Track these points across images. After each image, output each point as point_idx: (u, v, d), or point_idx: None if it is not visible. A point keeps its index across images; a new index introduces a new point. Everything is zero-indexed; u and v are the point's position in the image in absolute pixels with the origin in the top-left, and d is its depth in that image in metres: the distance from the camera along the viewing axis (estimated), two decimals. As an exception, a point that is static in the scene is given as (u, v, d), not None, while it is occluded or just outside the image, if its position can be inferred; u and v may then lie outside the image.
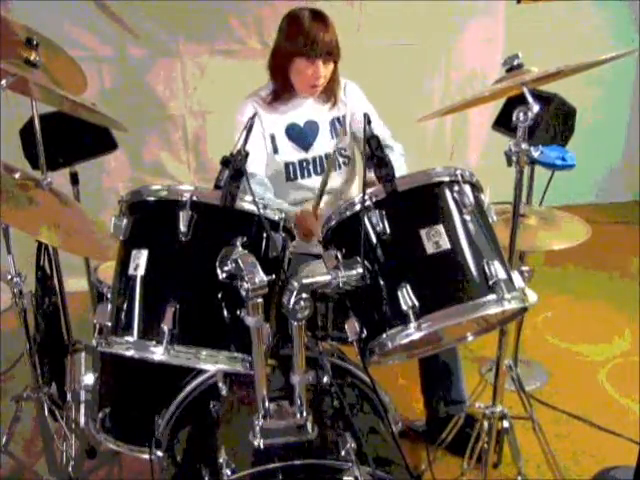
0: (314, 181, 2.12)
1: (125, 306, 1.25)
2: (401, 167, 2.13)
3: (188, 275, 1.25)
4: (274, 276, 1.26)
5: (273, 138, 2.08)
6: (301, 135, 2.12)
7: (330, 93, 2.14)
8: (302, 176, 2.13)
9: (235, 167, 1.23)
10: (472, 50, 3.87)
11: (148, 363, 1.20)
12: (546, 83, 1.65)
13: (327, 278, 1.21)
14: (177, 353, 1.19)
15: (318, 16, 2.00)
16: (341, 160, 2.18)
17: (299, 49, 1.96)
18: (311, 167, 2.12)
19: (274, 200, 2.02)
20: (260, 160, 2.06)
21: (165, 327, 1.18)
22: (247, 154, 1.25)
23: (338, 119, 2.18)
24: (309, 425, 1.26)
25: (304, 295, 1.15)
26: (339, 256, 1.27)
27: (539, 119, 2.10)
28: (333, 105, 2.17)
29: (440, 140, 4.01)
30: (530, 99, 1.51)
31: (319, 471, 1.20)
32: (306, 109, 2.14)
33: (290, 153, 2.11)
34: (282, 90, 2.09)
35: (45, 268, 2.24)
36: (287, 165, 2.10)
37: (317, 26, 1.96)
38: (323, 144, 2.14)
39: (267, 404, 1.25)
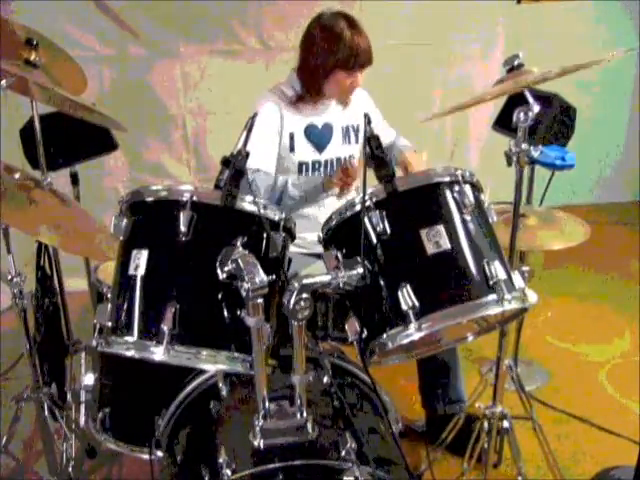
0: None
1: (125, 306, 1.25)
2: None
3: (188, 275, 1.25)
4: (274, 276, 1.26)
5: (292, 137, 2.09)
6: (318, 137, 2.14)
7: None
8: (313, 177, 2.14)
9: (235, 167, 1.23)
10: (472, 50, 3.86)
11: (148, 363, 1.20)
12: (544, 82, 1.65)
13: (327, 278, 1.21)
14: (177, 353, 1.19)
15: (354, 25, 2.00)
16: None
17: (342, 64, 1.97)
18: (322, 169, 2.13)
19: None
20: (270, 157, 2.07)
21: (165, 327, 1.18)
22: (247, 154, 1.25)
23: (352, 127, 2.20)
24: (309, 425, 1.26)
25: (304, 295, 1.15)
26: (339, 256, 1.27)
27: (539, 119, 2.10)
28: (346, 106, 2.19)
29: (440, 140, 4.01)
30: (530, 99, 1.52)
31: (319, 471, 1.20)
32: (325, 111, 2.16)
33: (305, 153, 2.11)
34: (311, 97, 2.09)
35: (45, 268, 2.24)
36: (300, 164, 2.11)
37: (357, 36, 1.97)
38: (336, 148, 2.16)
39: (267, 404, 1.25)
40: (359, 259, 1.23)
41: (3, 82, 1.62)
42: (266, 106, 2.07)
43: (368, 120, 1.26)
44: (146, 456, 1.55)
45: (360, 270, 1.22)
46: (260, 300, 1.13)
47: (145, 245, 1.25)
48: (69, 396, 2.17)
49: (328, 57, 1.99)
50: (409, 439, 2.18)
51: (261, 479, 1.21)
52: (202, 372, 1.53)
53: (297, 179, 2.05)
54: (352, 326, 1.26)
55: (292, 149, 2.09)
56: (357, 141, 2.21)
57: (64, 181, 2.44)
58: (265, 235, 1.29)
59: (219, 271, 1.21)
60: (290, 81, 2.13)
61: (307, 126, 2.11)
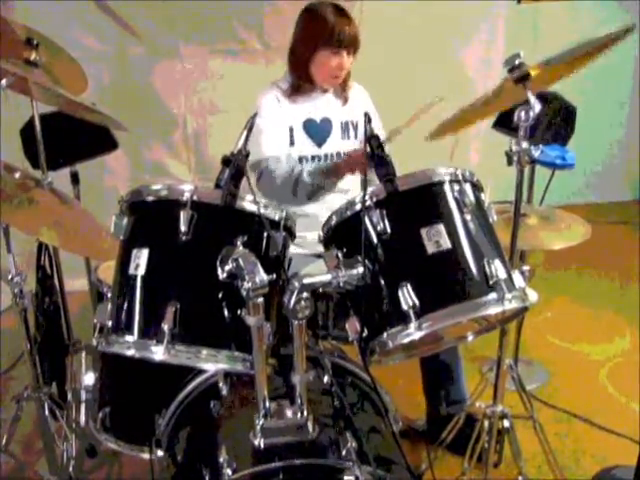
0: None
1: (125, 305, 1.25)
2: None
3: (189, 274, 1.25)
4: (274, 275, 1.26)
5: (291, 131, 2.10)
6: (317, 131, 2.14)
7: (344, 85, 2.18)
8: None
9: (236, 166, 1.23)
10: (472, 50, 3.87)
11: (148, 363, 1.20)
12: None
13: (328, 277, 1.21)
14: (177, 352, 1.19)
15: (340, 10, 2.04)
16: None
17: (325, 41, 2.00)
18: (322, 164, 2.13)
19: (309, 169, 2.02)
20: (283, 141, 2.08)
21: (165, 326, 1.18)
22: (248, 153, 1.26)
23: (351, 122, 2.20)
24: (310, 424, 1.25)
25: (304, 295, 1.15)
26: (340, 255, 1.27)
27: (540, 119, 2.10)
28: (345, 101, 2.20)
29: (440, 140, 4.00)
30: (531, 99, 1.51)
31: (320, 470, 1.20)
32: (323, 105, 2.17)
33: (305, 147, 2.12)
34: (302, 83, 2.11)
35: (45, 268, 2.24)
36: (300, 159, 2.11)
37: (341, 19, 2.01)
38: (335, 142, 2.17)
39: (267, 403, 1.25)
40: (359, 258, 1.23)
41: (3, 82, 1.62)
42: (266, 97, 2.10)
43: (368, 119, 1.26)
44: (146, 456, 1.55)
45: (360, 269, 1.22)
46: (260, 299, 1.13)
47: (145, 244, 1.25)
48: (69, 396, 2.17)
49: (310, 36, 2.05)
50: (409, 439, 2.19)
51: (262, 478, 1.21)
52: (202, 372, 1.53)
53: (312, 166, 2.03)
54: (352, 325, 1.26)
55: (292, 143, 2.10)
56: (356, 137, 2.21)
57: (64, 181, 2.44)
58: (265, 234, 1.29)
59: (219, 270, 1.21)
60: (286, 76, 2.15)
61: (305, 120, 2.12)
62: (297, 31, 2.11)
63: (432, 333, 1.24)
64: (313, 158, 2.12)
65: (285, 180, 1.99)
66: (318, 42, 2.01)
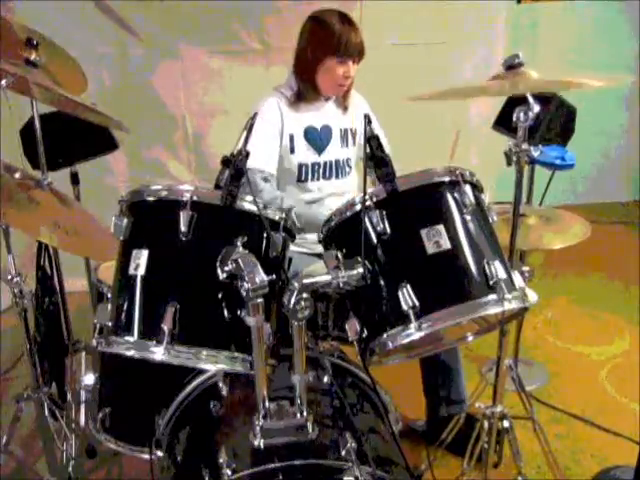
0: (321, 185, 2.15)
1: (125, 306, 1.26)
2: None
3: (188, 275, 1.26)
4: (274, 276, 1.26)
5: (292, 138, 2.10)
6: (317, 139, 2.15)
7: (346, 94, 2.18)
8: (312, 179, 2.15)
9: (235, 167, 1.23)
10: (472, 50, 3.86)
11: (148, 363, 1.20)
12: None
13: (327, 278, 1.21)
14: (177, 353, 1.20)
15: (347, 19, 2.04)
16: (347, 169, 2.22)
17: (331, 51, 2.00)
18: (321, 171, 2.15)
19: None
20: (273, 157, 2.07)
21: (165, 327, 1.18)
22: (247, 154, 1.26)
23: (350, 130, 2.21)
24: (309, 425, 1.25)
25: (304, 295, 1.15)
26: (339, 256, 1.27)
27: (539, 119, 2.10)
28: (345, 110, 2.21)
29: (440, 140, 4.00)
30: (530, 99, 1.52)
31: (319, 471, 1.20)
32: (324, 113, 2.17)
33: (305, 155, 2.12)
34: (307, 91, 2.10)
35: (45, 268, 2.24)
36: (300, 166, 2.12)
37: (348, 28, 2.01)
38: (335, 150, 2.17)
39: (267, 404, 1.25)
40: (359, 259, 1.23)
41: (3, 82, 1.62)
42: (267, 105, 2.09)
43: (368, 120, 1.26)
44: (146, 456, 1.55)
45: (360, 270, 1.22)
46: (260, 300, 1.13)
47: (145, 245, 1.25)
48: (69, 396, 2.17)
49: (318, 45, 2.04)
50: (409, 439, 2.19)
51: (261, 479, 1.21)
52: (202, 372, 1.53)
53: (302, 208, 1.99)
54: (352, 326, 1.26)
55: (292, 150, 2.10)
56: (354, 143, 2.22)
57: (64, 181, 2.44)
58: (265, 235, 1.29)
59: (219, 271, 1.21)
60: (288, 82, 2.15)
61: (306, 128, 2.12)
62: (302, 40, 2.09)
63: (432, 334, 1.24)
64: (313, 166, 2.13)
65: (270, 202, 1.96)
66: (325, 51, 2.01)
